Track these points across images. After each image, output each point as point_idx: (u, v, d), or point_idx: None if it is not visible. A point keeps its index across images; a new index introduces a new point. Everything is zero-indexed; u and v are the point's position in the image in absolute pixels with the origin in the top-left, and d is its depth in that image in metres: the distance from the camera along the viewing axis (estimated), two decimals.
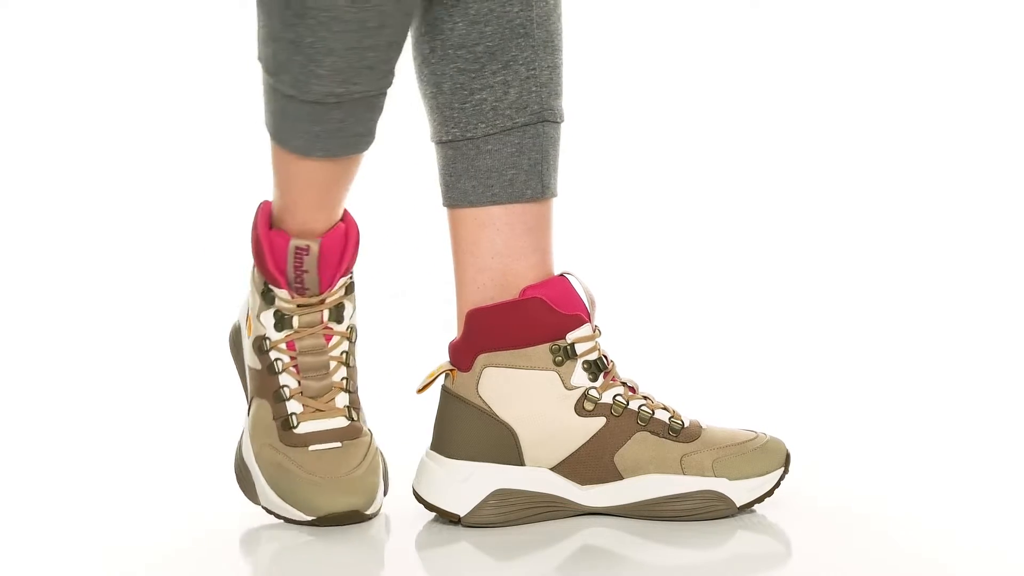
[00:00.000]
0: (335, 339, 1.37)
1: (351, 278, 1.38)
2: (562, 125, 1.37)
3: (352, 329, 1.38)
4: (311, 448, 1.34)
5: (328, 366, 1.36)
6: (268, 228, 1.37)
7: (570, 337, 1.32)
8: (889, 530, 1.30)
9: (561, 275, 1.34)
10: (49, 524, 1.39)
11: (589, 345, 1.32)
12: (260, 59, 1.30)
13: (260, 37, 1.29)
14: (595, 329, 1.34)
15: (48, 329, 2.30)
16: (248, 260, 1.42)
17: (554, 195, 1.36)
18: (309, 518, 1.31)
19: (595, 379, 1.32)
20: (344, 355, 1.37)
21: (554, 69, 1.34)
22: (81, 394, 1.98)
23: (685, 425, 1.33)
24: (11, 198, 2.51)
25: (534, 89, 1.33)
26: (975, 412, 1.79)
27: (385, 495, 1.37)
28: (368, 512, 1.32)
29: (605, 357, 1.33)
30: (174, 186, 2.53)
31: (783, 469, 1.33)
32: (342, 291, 1.37)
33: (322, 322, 1.36)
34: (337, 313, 1.37)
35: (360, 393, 1.41)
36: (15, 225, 2.50)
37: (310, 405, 1.36)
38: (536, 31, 1.33)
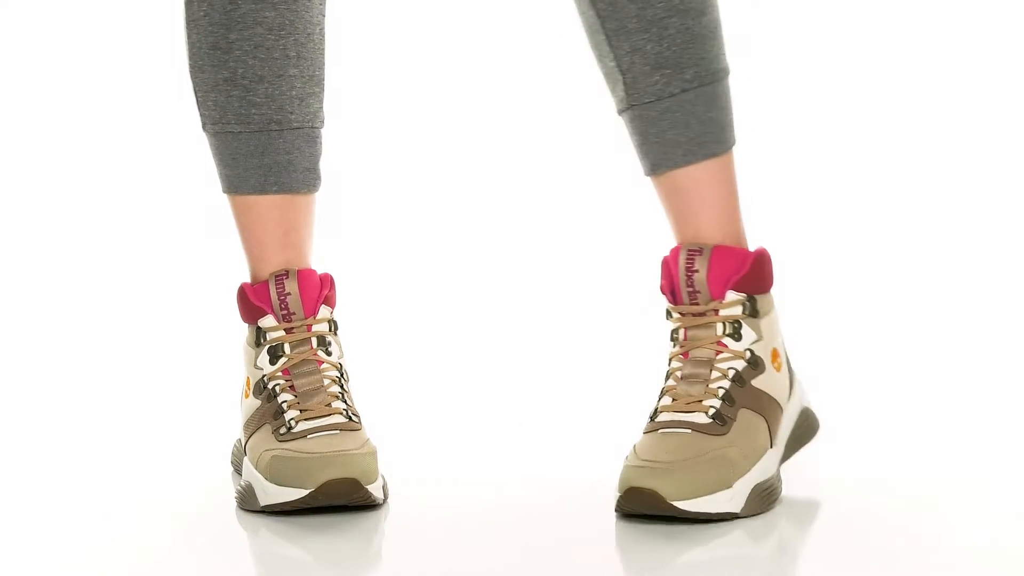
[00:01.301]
0: (325, 365, 1.42)
1: (333, 316, 1.45)
2: (692, 90, 1.41)
3: (343, 368, 1.44)
4: (309, 437, 1.37)
5: (322, 382, 1.42)
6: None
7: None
8: (889, 533, 1.30)
9: (680, 246, 1.40)
10: (49, 525, 1.39)
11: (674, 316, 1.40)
12: (205, 125, 1.47)
13: (200, 101, 1.47)
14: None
15: (48, 330, 2.30)
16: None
17: (661, 172, 1.42)
18: (307, 491, 1.32)
19: (673, 344, 1.41)
20: (338, 378, 1.43)
21: (635, 51, 1.39)
22: (80, 395, 1.98)
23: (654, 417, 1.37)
24: (11, 199, 2.51)
25: (617, 78, 1.40)
26: (975, 410, 1.79)
27: (385, 500, 1.37)
28: (368, 488, 1.34)
29: (681, 332, 1.39)
30: (174, 186, 2.53)
31: (618, 496, 1.31)
32: (326, 324, 1.44)
33: (311, 349, 1.42)
34: (324, 346, 1.43)
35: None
36: (15, 226, 2.50)
37: (308, 409, 1.40)
38: (606, 23, 1.38)
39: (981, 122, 2.50)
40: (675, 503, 1.28)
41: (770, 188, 2.41)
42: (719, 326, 1.38)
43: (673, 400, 1.36)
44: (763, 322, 1.40)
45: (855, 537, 1.28)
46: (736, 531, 1.28)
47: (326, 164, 1.50)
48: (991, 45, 2.51)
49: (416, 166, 2.51)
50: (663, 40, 1.39)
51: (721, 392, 1.36)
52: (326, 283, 1.46)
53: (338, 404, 1.40)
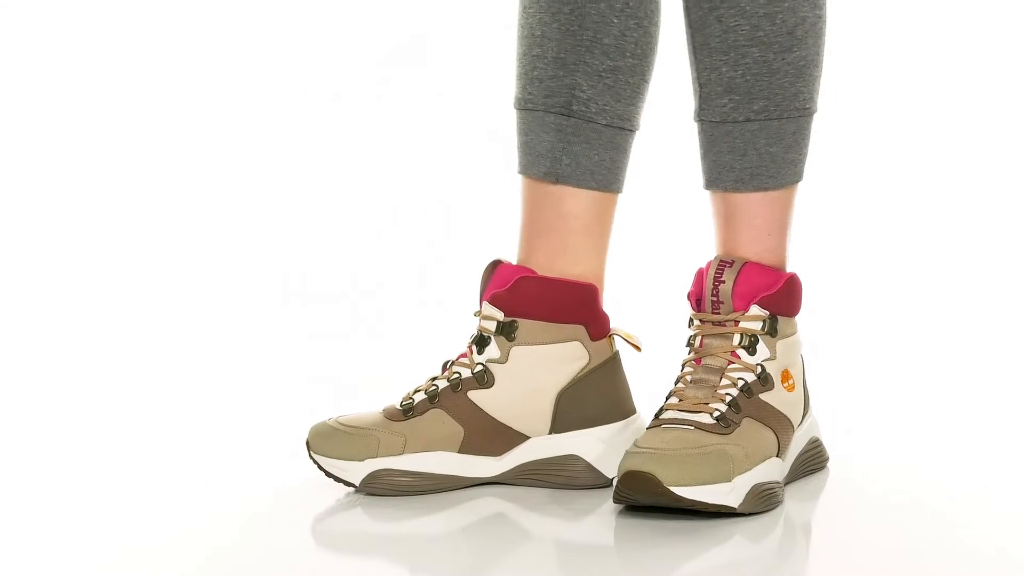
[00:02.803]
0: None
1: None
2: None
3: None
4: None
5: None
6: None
7: None
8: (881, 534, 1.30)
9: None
10: (52, 525, 1.39)
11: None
12: None
13: None
14: None
15: (51, 331, 2.30)
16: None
17: (712, 189, 1.45)
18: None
19: (688, 350, 1.43)
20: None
21: (713, 70, 1.42)
22: (80, 395, 1.98)
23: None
24: (11, 198, 2.52)
25: (696, 89, 1.45)
26: (975, 415, 1.80)
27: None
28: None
29: (698, 339, 1.41)
30: (174, 187, 2.53)
31: (616, 482, 1.32)
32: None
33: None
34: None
35: None
36: (15, 225, 2.50)
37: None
38: (694, 37, 1.43)
39: (991, 148, 2.51)
40: (673, 489, 1.28)
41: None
42: (736, 337, 1.39)
43: (679, 400, 1.37)
44: (780, 343, 1.40)
45: (855, 541, 1.28)
46: (736, 535, 1.28)
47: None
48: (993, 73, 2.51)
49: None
50: (739, 67, 1.40)
51: (728, 399, 1.36)
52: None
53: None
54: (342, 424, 1.41)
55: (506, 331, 1.42)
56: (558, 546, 1.28)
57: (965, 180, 2.47)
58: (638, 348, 1.45)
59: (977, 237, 2.43)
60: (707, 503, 1.29)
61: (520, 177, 1.47)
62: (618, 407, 1.45)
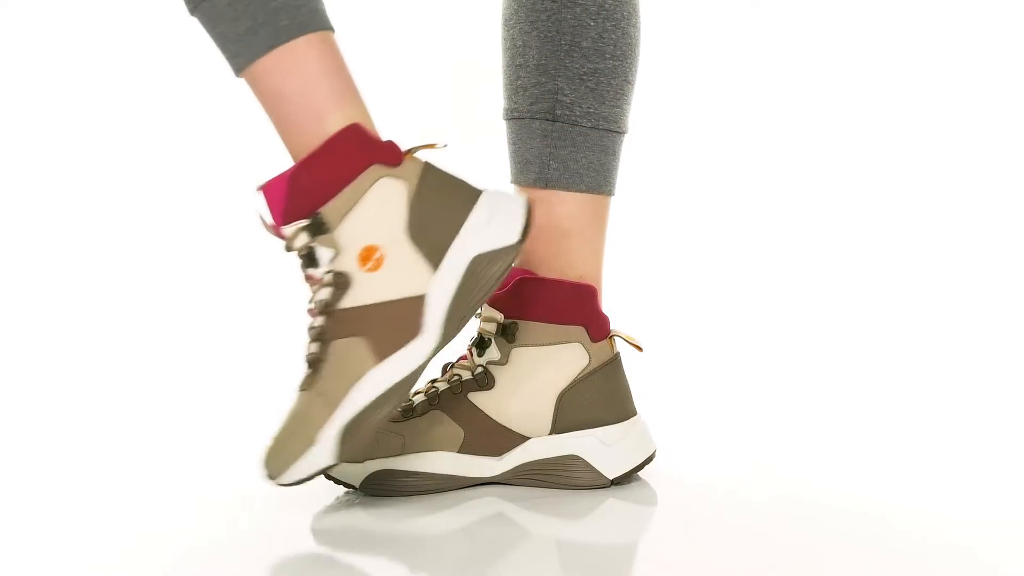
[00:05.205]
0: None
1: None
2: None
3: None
4: None
5: None
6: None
7: None
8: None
9: None
10: (51, 526, 1.39)
11: None
12: None
13: None
14: None
15: (52, 333, 2.30)
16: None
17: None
18: None
19: None
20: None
21: None
22: (80, 396, 1.98)
23: None
24: (11, 198, 2.52)
25: None
26: (965, 414, 1.80)
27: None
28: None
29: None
30: (175, 189, 2.53)
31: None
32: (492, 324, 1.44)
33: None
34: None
35: None
36: (15, 225, 2.51)
37: None
38: None
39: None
40: (276, 481, 1.30)
41: (763, 189, 2.42)
42: (300, 261, 1.32)
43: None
44: (339, 231, 1.30)
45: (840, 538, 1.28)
46: (740, 535, 1.28)
47: None
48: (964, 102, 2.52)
49: None
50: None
51: (314, 333, 1.31)
52: (504, 284, 1.47)
53: None
54: None
55: (506, 333, 1.43)
56: (558, 546, 1.29)
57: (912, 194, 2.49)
58: (639, 349, 1.45)
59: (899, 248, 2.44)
60: (302, 478, 1.30)
61: (513, 187, 1.48)
62: (619, 408, 1.45)
